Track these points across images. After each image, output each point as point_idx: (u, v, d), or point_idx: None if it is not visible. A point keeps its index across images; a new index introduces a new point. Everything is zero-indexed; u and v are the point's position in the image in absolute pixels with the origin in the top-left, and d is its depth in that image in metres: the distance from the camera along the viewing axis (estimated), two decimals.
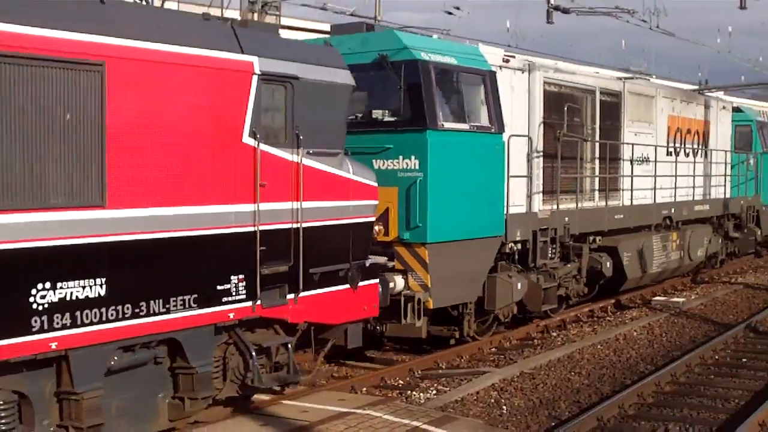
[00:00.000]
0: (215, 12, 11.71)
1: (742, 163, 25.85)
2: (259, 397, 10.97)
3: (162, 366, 9.41)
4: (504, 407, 11.95)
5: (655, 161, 20.01)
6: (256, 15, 13.55)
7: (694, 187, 22.36)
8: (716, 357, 15.15)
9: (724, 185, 24.57)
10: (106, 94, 8.29)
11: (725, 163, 24.61)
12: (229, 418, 10.18)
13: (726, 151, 24.73)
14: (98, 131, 8.25)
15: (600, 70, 23.70)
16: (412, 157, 13.28)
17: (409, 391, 12.48)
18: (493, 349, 15.15)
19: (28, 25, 7.72)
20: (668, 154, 20.89)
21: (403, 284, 13.21)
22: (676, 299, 20.15)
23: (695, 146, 22.52)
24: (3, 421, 7.98)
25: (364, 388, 12.43)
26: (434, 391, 12.57)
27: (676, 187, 21.16)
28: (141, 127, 8.65)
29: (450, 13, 33.84)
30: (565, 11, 23.35)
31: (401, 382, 13.07)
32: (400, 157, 13.31)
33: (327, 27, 18.45)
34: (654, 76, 43.63)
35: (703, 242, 22.75)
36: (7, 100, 7.54)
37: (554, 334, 16.56)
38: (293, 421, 10.10)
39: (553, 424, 11.26)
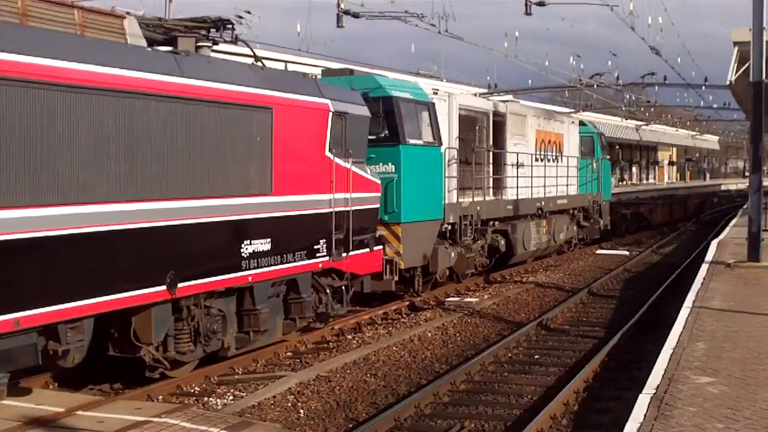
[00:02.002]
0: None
1: (588, 166, 32.61)
2: (52, 408, 10.76)
3: (280, 297, 14.80)
4: (301, 411, 12.00)
5: (532, 165, 26.44)
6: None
7: (556, 186, 28.78)
8: (510, 355, 15.61)
9: (576, 184, 31.16)
10: (273, 125, 13.75)
11: (576, 167, 31.24)
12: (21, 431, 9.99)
13: (576, 157, 31.41)
14: (269, 147, 13.68)
15: (491, 97, 29.48)
16: (390, 164, 18.95)
17: (206, 398, 12.36)
18: (289, 354, 15.23)
19: (241, 85, 13.09)
20: (537, 160, 27.29)
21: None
22: (469, 299, 20.92)
23: (555, 154, 29.07)
24: (216, 326, 13.26)
25: (161, 396, 12.25)
26: (231, 397, 12.46)
27: (545, 186, 27.62)
28: (286, 145, 14.12)
29: (240, 17, 37.02)
30: (355, 15, 23.38)
31: (197, 388, 12.94)
32: (380, 164, 18.92)
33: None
34: (444, 80, 47.86)
35: (564, 228, 29.47)
36: (229, 131, 12.84)
37: (349, 336, 16.72)
38: None
39: (351, 425, 11.45)
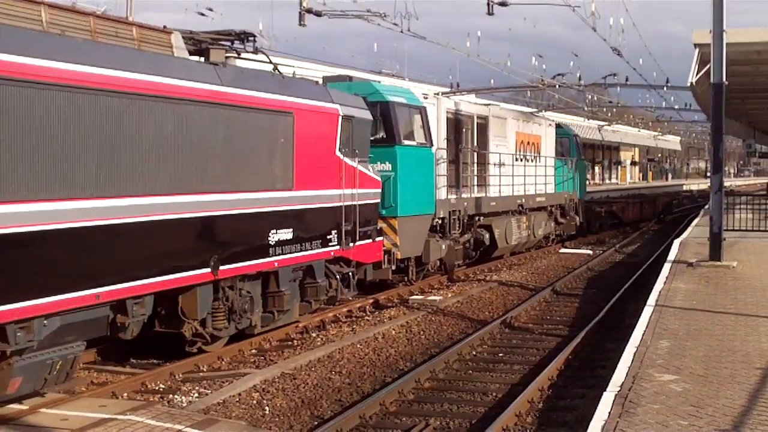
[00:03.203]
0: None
1: (564, 166, 34.51)
2: (15, 406, 10.89)
3: (297, 282, 16.45)
4: (266, 408, 11.98)
5: (513, 165, 28.28)
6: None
7: (535, 184, 30.61)
8: (474, 353, 15.66)
9: (553, 183, 32.96)
10: (294, 128, 15.44)
11: (553, 167, 33.06)
12: None
13: (553, 158, 33.26)
14: (291, 148, 15.37)
15: (474, 100, 31.08)
16: (387, 163, 20.67)
17: (171, 395, 12.33)
18: (254, 351, 15.26)
19: (268, 92, 14.77)
20: (517, 159, 29.12)
21: None
22: (433, 297, 21.16)
23: (533, 154, 30.92)
24: (246, 306, 14.92)
25: (125, 394, 12.23)
26: (196, 395, 12.42)
27: (525, 184, 29.45)
28: (305, 145, 15.80)
29: (203, 14, 35.32)
30: (318, 14, 23.25)
31: (162, 386, 12.92)
32: (378, 163, 20.61)
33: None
34: (407, 78, 49.01)
35: (542, 224, 31.37)
36: (259, 133, 14.50)
37: (314, 334, 16.74)
38: (53, 430, 10.19)
39: (316, 423, 11.47)
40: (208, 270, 13.31)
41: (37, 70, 10.29)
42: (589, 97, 61.33)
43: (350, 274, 17.90)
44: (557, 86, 43.41)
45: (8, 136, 9.97)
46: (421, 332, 17.49)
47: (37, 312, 10.40)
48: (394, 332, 17.16)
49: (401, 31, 26.33)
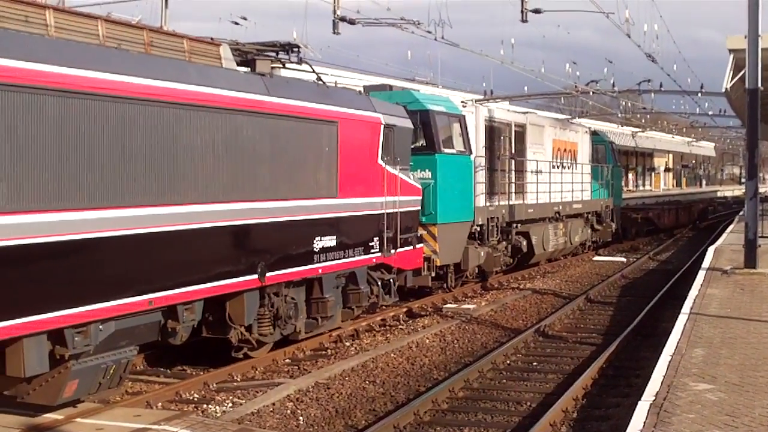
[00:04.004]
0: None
1: (600, 173, 34.60)
2: (51, 416, 10.99)
3: (340, 288, 16.68)
4: (300, 418, 11.99)
5: (550, 172, 28.43)
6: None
7: (572, 191, 30.77)
8: (508, 362, 15.58)
9: (589, 190, 33.13)
10: (338, 137, 15.69)
11: (589, 174, 33.21)
12: None
13: (589, 164, 33.40)
14: (335, 156, 15.62)
15: (511, 107, 31.14)
16: (427, 170, 20.89)
17: (205, 405, 12.38)
18: (287, 361, 15.26)
19: (313, 102, 15.04)
20: (554, 167, 29.28)
21: None
22: (466, 306, 21.12)
23: (570, 161, 31.07)
24: (291, 312, 15.17)
25: (160, 403, 12.25)
26: (230, 404, 12.46)
27: (562, 191, 29.58)
28: (348, 154, 16.04)
29: (236, 23, 35.08)
30: (351, 22, 23.16)
31: (197, 395, 12.95)
32: (418, 170, 20.82)
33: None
34: (440, 86, 49.14)
35: (579, 231, 31.50)
36: (304, 142, 14.77)
37: (348, 343, 16.73)
38: None
39: None
40: (256, 276, 13.57)
41: (121, 86, 10.87)
42: (623, 103, 61.04)
43: (391, 280, 18.13)
44: (591, 93, 43.02)
45: (80, 147, 10.36)
46: (455, 341, 17.47)
47: (93, 317, 10.71)
48: (428, 341, 17.17)
49: (435, 39, 26.29)
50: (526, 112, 28.40)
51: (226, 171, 12.85)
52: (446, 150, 21.30)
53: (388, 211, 17.49)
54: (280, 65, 15.95)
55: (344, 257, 16.07)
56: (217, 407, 12.36)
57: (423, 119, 20.81)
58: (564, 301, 22.73)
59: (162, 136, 11.61)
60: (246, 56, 15.10)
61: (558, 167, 29.64)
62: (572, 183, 30.81)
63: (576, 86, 42.10)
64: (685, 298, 17.85)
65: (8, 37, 9.97)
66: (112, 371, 11.33)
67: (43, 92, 9.94)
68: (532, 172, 27.15)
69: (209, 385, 13.52)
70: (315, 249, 15.14)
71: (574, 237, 30.84)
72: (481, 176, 23.49)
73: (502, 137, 25.09)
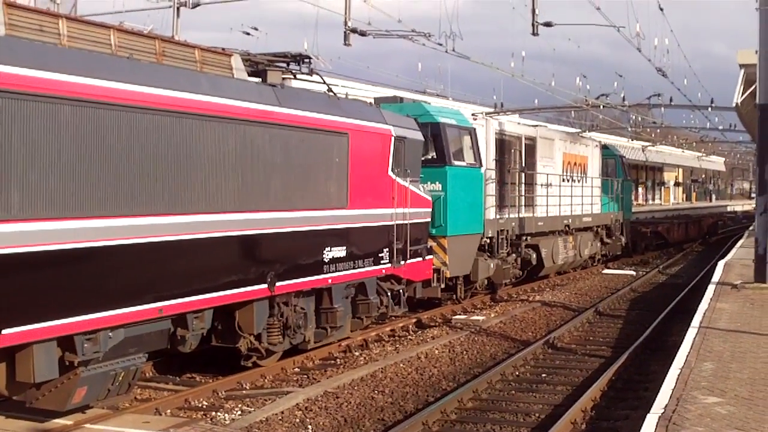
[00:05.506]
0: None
1: (610, 187, 34.61)
2: (60, 421, 11.09)
3: (349, 299, 16.71)
4: (309, 427, 12.00)
5: (560, 185, 28.45)
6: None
7: (582, 205, 30.80)
8: (517, 373, 15.60)
9: (599, 203, 33.14)
10: (349, 149, 15.75)
11: (599, 187, 33.23)
12: None
13: (599, 178, 33.42)
14: (346, 167, 15.68)
15: (521, 120, 31.13)
16: (437, 183, 20.93)
17: (214, 412, 12.41)
18: (296, 369, 15.33)
19: (324, 113, 15.10)
20: (564, 180, 29.30)
21: None
22: (476, 317, 21.20)
23: (580, 174, 31.09)
24: (300, 322, 15.20)
25: (169, 410, 12.28)
26: (239, 412, 12.48)
27: (571, 204, 29.60)
28: (358, 165, 16.09)
29: (248, 34, 35.25)
30: (362, 34, 23.22)
31: (205, 403, 12.99)
32: (428, 183, 20.84)
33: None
34: (450, 98, 49.15)
35: (588, 244, 31.50)
36: (315, 152, 14.83)
37: (357, 353, 16.76)
38: None
39: None
40: (265, 286, 13.61)
41: (133, 95, 10.97)
42: (633, 117, 61.00)
43: (401, 291, 18.15)
44: (601, 106, 43.20)
45: (91, 156, 10.45)
46: (464, 352, 17.49)
47: (103, 324, 10.75)
48: (437, 352, 17.20)
49: (446, 51, 26.35)
50: (537, 125, 28.47)
51: (236, 181, 12.91)
52: (457, 162, 21.34)
53: (398, 222, 17.53)
54: (291, 76, 15.99)
55: (354, 268, 16.10)
56: (226, 415, 12.38)
57: (434, 131, 20.86)
58: (573, 313, 22.76)
59: (174, 146, 11.68)
60: (257, 67, 15.16)
61: (568, 181, 29.66)
62: (582, 196, 30.83)
63: (586, 100, 42.03)
64: (695, 312, 17.84)
65: (22, 46, 10.05)
66: (121, 378, 11.36)
67: (55, 101, 10.00)
68: (542, 185, 27.17)
69: (218, 392, 13.55)
70: (325, 259, 15.18)
71: (583, 250, 30.84)
72: (492, 189, 23.51)
73: (512, 150, 25.14)
